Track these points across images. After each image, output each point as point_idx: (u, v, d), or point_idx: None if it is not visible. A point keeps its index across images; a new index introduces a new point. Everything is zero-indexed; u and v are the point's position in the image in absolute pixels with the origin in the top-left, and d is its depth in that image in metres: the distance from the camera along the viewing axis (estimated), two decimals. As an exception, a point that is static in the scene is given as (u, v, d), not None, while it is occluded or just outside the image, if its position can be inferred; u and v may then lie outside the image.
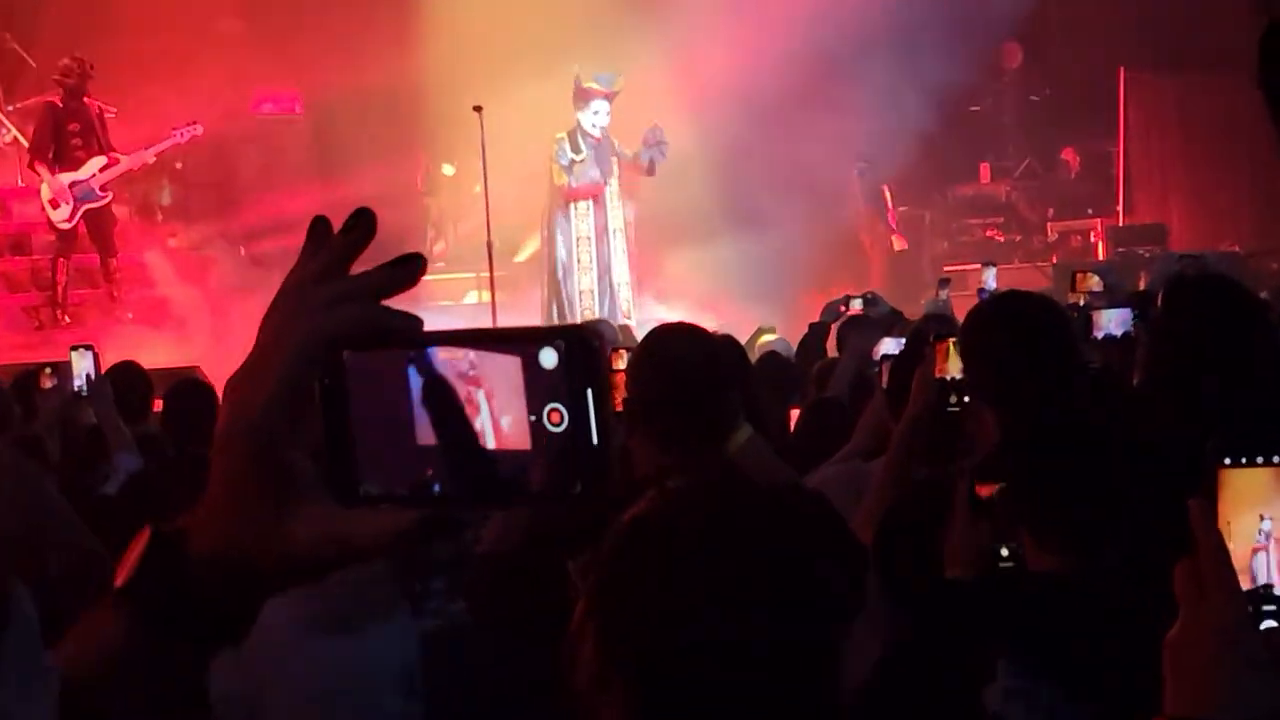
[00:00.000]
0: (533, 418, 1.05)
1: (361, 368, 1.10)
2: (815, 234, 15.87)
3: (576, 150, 14.00)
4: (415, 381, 1.09)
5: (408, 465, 1.09)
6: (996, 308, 3.47)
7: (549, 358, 1.05)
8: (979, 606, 2.63)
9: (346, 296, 1.11)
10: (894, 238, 17.27)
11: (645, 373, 3.27)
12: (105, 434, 5.88)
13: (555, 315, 14.03)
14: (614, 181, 14.26)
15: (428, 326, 1.11)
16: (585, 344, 1.05)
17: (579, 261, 14.16)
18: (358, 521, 1.10)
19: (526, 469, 1.06)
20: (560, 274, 14.12)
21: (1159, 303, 5.04)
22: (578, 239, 14.15)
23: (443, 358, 1.08)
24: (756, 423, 4.09)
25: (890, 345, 5.85)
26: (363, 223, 1.13)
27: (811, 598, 3.05)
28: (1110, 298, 7.21)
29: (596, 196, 14.13)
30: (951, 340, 3.61)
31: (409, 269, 1.12)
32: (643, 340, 3.43)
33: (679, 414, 3.17)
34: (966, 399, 3.52)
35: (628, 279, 14.37)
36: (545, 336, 1.05)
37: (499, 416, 1.06)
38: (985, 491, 2.82)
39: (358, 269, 1.13)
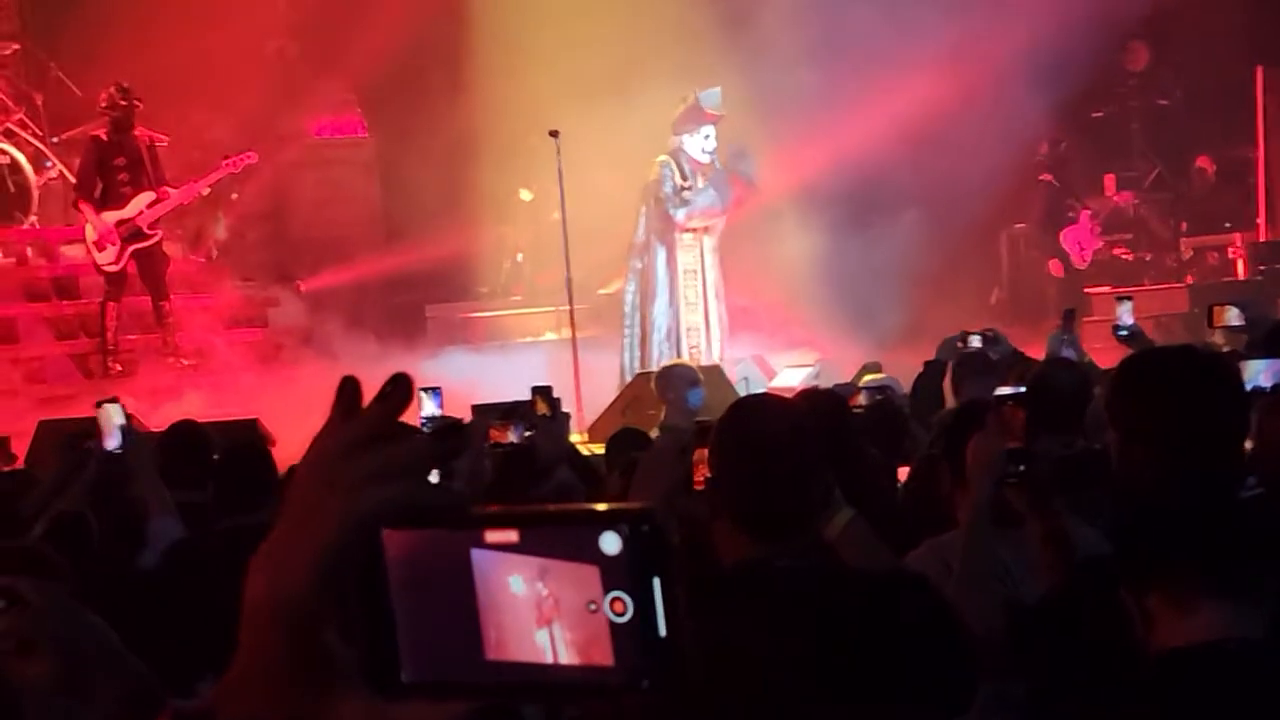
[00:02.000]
0: (592, 606, 1.04)
1: (402, 547, 1.10)
2: (924, 258, 15.80)
3: (684, 176, 13.88)
4: (471, 566, 1.08)
5: (456, 652, 1.09)
6: (1161, 369, 3.38)
7: (611, 543, 1.04)
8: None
9: (386, 473, 1.11)
10: (1052, 261, 17.04)
11: (728, 451, 3.26)
12: (146, 497, 5.69)
13: (637, 355, 13.90)
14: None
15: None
16: (651, 528, 1.04)
17: (686, 298, 14.03)
18: (400, 712, 1.10)
19: (589, 661, 1.05)
20: (658, 310, 13.96)
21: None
22: (684, 272, 14.03)
23: (495, 540, 1.07)
24: (860, 486, 4.06)
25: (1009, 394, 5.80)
26: (399, 389, 1.13)
27: (918, 691, 3.03)
28: (1252, 333, 7.10)
29: (710, 227, 14.04)
30: (1012, 406, 3.57)
31: (453, 441, 1.13)
32: (725, 414, 3.41)
33: (765, 497, 3.16)
34: (1023, 468, 3.49)
35: (721, 314, 14.26)
36: (607, 520, 1.04)
37: (560, 606, 1.05)
38: None
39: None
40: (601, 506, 1.06)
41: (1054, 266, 17.02)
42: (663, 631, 1.03)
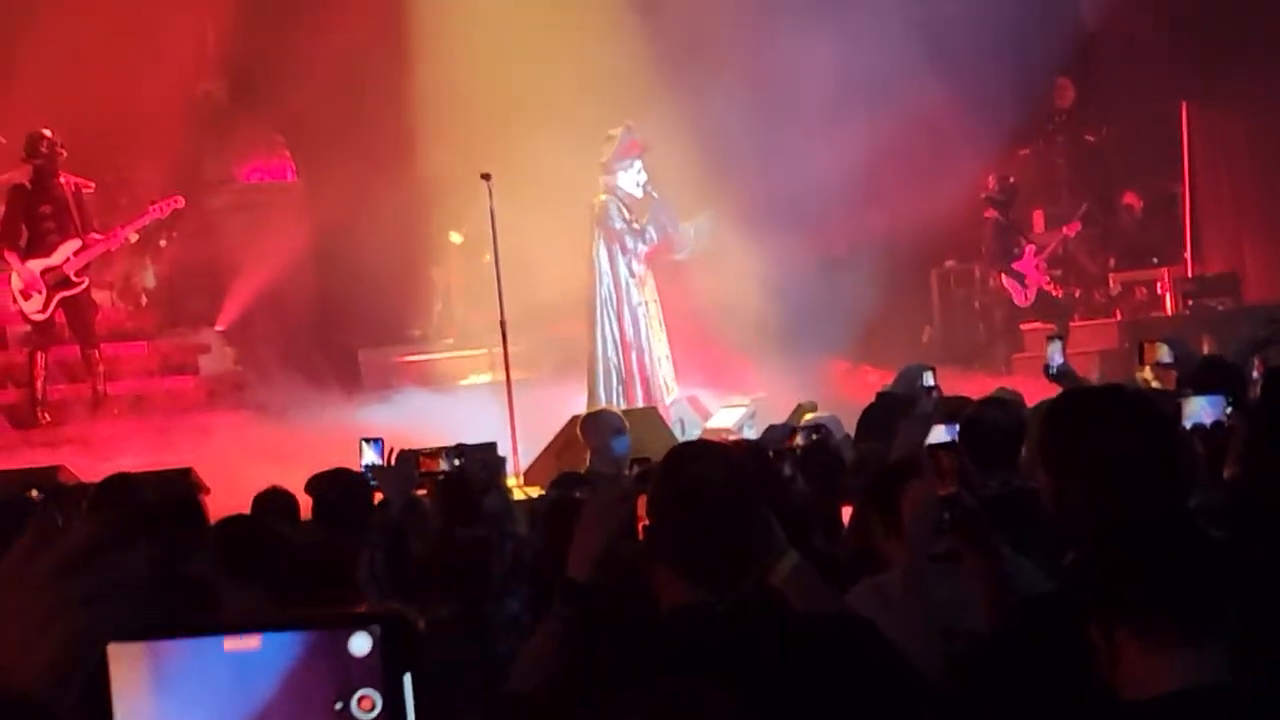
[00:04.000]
0: (339, 705, 1.09)
1: (141, 656, 1.12)
2: (857, 297, 15.90)
3: (629, 210, 13.98)
4: (213, 672, 1.11)
5: None
6: (1090, 408, 3.44)
7: (361, 643, 1.09)
8: None
9: (113, 587, 1.15)
10: (1014, 293, 17.13)
11: (665, 498, 3.31)
12: None
13: (618, 391, 13.89)
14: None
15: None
16: (402, 628, 1.09)
17: (651, 330, 14.14)
18: None
19: None
20: (638, 345, 14.02)
21: (1256, 388, 5.05)
22: (650, 302, 14.15)
23: (237, 647, 1.10)
24: (799, 531, 4.12)
25: (943, 434, 5.88)
26: (110, 497, 1.14)
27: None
28: (1181, 370, 7.25)
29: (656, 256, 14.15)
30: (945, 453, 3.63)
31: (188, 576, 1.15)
32: (663, 461, 3.48)
33: (702, 543, 3.21)
34: (954, 514, 3.55)
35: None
36: (357, 622, 1.09)
37: (307, 707, 1.09)
38: None
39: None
40: (352, 611, 1.10)
41: (1016, 296, 17.14)
42: None
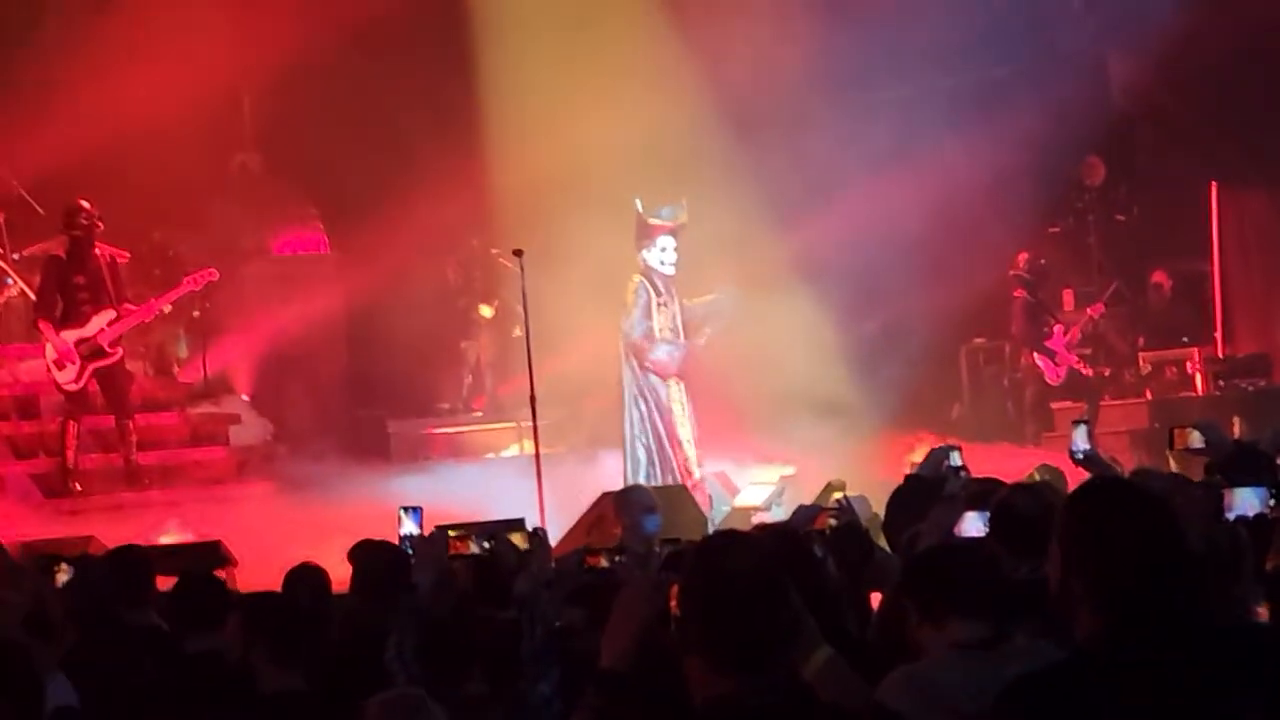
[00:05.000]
0: None
1: None
2: (886, 373, 15.93)
3: (659, 292, 14.04)
4: None
5: None
6: (1103, 504, 3.44)
7: None
8: None
9: None
10: (1045, 371, 17.19)
11: (696, 590, 3.34)
12: None
13: (646, 469, 13.94)
14: None
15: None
16: None
17: (677, 411, 14.18)
18: None
19: None
20: (668, 425, 14.07)
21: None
22: (674, 383, 14.18)
23: None
24: (832, 616, 4.14)
25: (976, 522, 5.88)
26: None
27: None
28: (1214, 455, 7.24)
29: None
30: None
31: None
32: (693, 552, 3.50)
33: (731, 634, 3.24)
34: None
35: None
36: None
37: None
38: None
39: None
40: None
41: (1050, 372, 17.18)
42: None
